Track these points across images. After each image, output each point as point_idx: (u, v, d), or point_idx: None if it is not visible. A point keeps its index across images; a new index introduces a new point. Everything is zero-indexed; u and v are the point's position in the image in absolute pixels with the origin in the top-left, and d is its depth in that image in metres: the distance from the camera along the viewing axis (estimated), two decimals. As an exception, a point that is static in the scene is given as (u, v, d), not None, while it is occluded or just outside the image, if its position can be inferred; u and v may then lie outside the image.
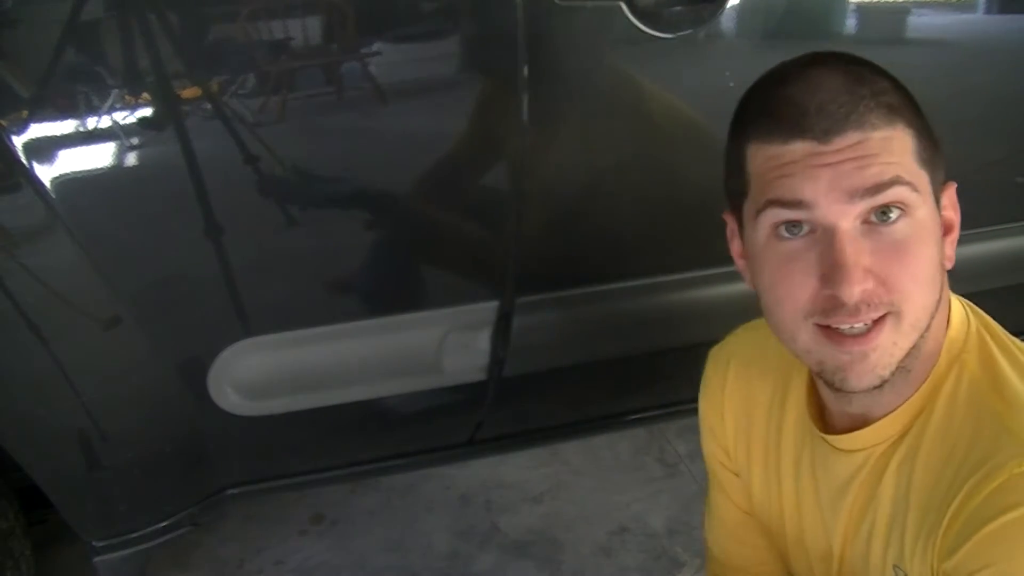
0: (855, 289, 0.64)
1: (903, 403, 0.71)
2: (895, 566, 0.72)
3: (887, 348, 0.66)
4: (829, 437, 0.77)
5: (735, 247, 0.77)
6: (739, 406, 0.89)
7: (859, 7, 1.20)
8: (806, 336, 0.68)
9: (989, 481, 0.62)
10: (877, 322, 0.66)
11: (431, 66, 1.02)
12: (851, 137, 0.64)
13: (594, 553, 1.71)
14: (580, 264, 1.23)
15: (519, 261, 1.15)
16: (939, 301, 0.69)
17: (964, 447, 0.66)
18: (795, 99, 0.65)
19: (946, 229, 0.71)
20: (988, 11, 1.29)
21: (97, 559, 1.21)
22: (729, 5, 1.07)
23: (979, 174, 1.35)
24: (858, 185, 0.63)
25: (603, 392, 1.43)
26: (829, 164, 0.64)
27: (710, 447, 0.96)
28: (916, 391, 0.71)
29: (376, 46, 0.99)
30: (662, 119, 1.15)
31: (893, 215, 0.65)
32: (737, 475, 0.93)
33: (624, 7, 1.02)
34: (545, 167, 1.11)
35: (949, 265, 0.71)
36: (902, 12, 1.25)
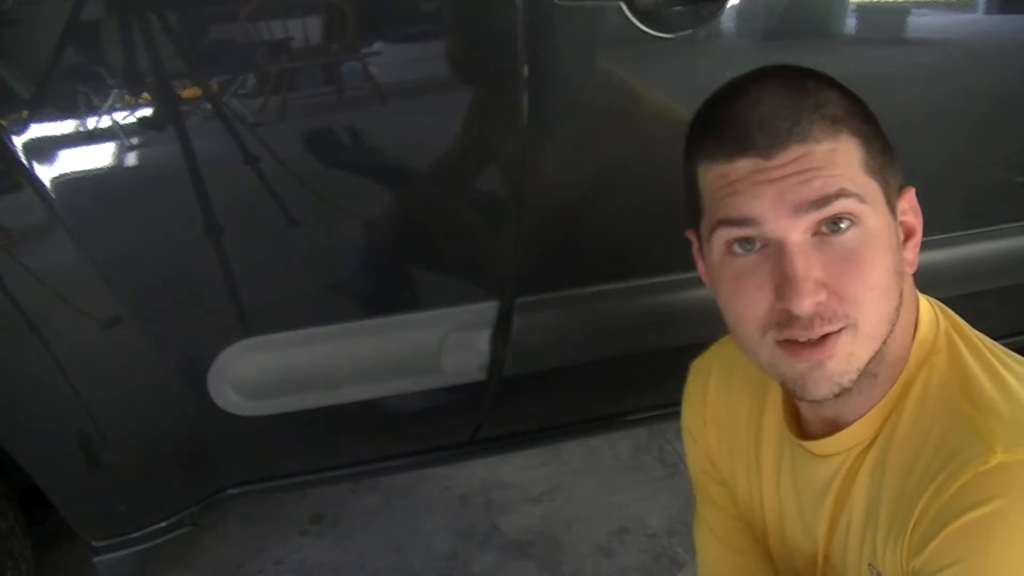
0: (806, 302, 0.64)
1: (873, 406, 0.72)
2: (869, 564, 0.73)
3: (843, 357, 0.66)
4: (805, 443, 0.77)
5: (700, 266, 0.79)
6: (721, 415, 0.91)
7: (859, 7, 1.20)
8: (766, 351, 0.69)
9: (954, 480, 0.63)
10: (833, 333, 0.66)
11: (431, 66, 1.02)
12: (794, 151, 0.64)
13: (594, 553, 1.71)
14: (580, 264, 1.23)
15: (519, 261, 1.15)
16: (898, 307, 0.69)
17: (933, 447, 0.67)
18: (738, 116, 0.66)
19: (907, 234, 0.71)
20: (988, 11, 1.29)
21: (97, 559, 1.21)
22: (729, 5, 1.07)
23: (979, 174, 1.35)
24: (803, 199, 0.64)
25: (603, 392, 1.43)
26: (773, 180, 0.64)
27: (694, 456, 0.97)
28: (886, 394, 0.71)
29: (376, 46, 0.99)
30: (662, 119, 1.15)
31: (843, 225, 0.65)
32: (722, 484, 0.94)
33: (624, 7, 1.02)
34: (545, 167, 1.11)
35: (911, 270, 0.71)
36: (902, 12, 1.25)
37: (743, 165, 0.65)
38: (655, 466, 1.94)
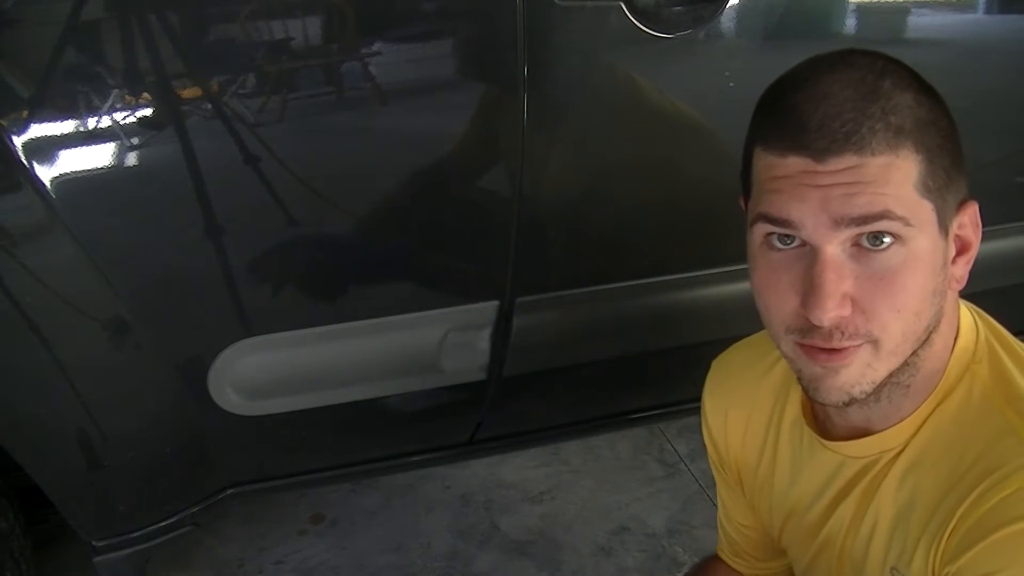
0: (827, 316, 0.63)
1: (907, 415, 0.71)
2: (893, 568, 0.72)
3: (859, 369, 0.66)
4: (830, 443, 0.77)
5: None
6: (742, 411, 0.90)
7: (859, 7, 1.19)
8: (787, 347, 0.69)
9: (1000, 489, 0.62)
10: (853, 346, 0.65)
11: (431, 66, 1.02)
12: (847, 160, 0.61)
13: (594, 553, 1.71)
14: (580, 264, 1.23)
15: (519, 261, 1.15)
16: (931, 325, 0.67)
17: (975, 455, 0.66)
18: (800, 109, 0.63)
19: (960, 249, 0.69)
20: (988, 11, 1.29)
21: (97, 559, 1.21)
22: (729, 5, 1.07)
23: (979, 174, 1.35)
24: (845, 213, 0.62)
25: (603, 392, 1.43)
26: (820, 186, 0.62)
27: (709, 447, 0.96)
28: (922, 403, 0.71)
29: (376, 46, 0.99)
30: (662, 119, 1.15)
31: (886, 241, 0.63)
32: (737, 474, 0.94)
33: (624, 7, 1.02)
34: (545, 167, 1.11)
35: (958, 286, 0.69)
36: (902, 12, 1.25)
37: (793, 163, 0.63)
38: (655, 466, 1.94)
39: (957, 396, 0.70)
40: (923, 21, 1.27)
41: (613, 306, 1.27)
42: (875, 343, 0.65)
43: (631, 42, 1.05)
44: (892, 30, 1.23)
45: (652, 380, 1.44)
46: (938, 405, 0.70)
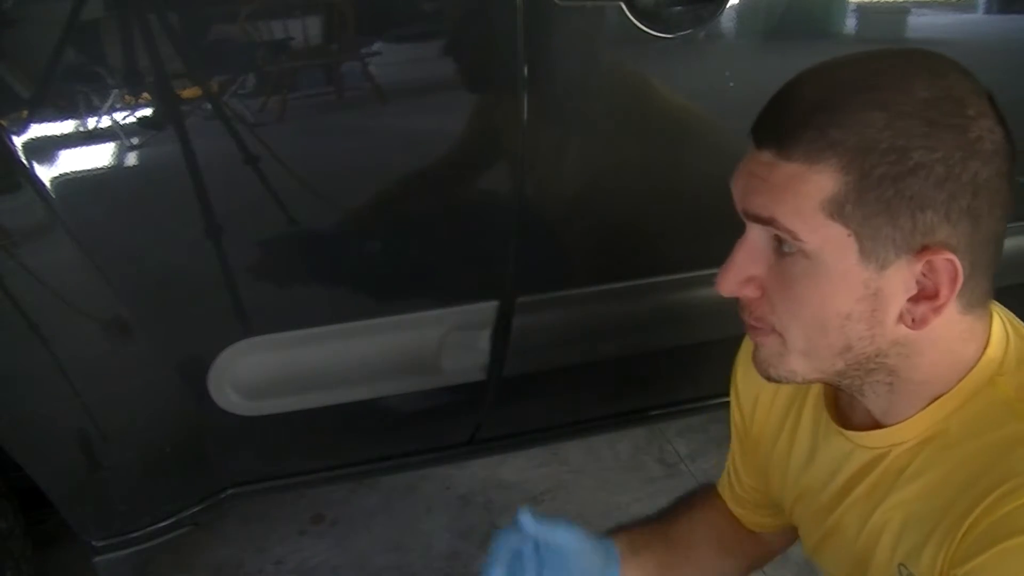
0: (723, 288, 0.66)
1: (913, 415, 0.71)
2: (901, 564, 0.72)
3: (772, 354, 0.68)
4: (848, 433, 0.77)
5: None
6: (767, 388, 0.89)
7: (859, 7, 1.20)
8: None
9: (1014, 498, 0.62)
10: (762, 328, 0.68)
11: (431, 66, 1.02)
12: (765, 156, 0.62)
13: (594, 553, 1.71)
14: (580, 264, 1.23)
15: (519, 261, 1.15)
16: (861, 346, 0.66)
17: (991, 460, 0.66)
18: (776, 97, 0.65)
19: (923, 294, 0.63)
20: (988, 11, 1.29)
21: (97, 559, 1.21)
22: (729, 5, 1.07)
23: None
24: (743, 206, 0.64)
25: (603, 392, 1.43)
26: (746, 172, 0.64)
27: (735, 412, 0.96)
28: (928, 405, 0.70)
29: (376, 46, 0.99)
30: (662, 119, 1.15)
31: (785, 249, 0.63)
32: (756, 444, 0.93)
33: (624, 7, 1.02)
34: (545, 167, 1.11)
35: (917, 327, 0.64)
36: (902, 12, 1.25)
37: (751, 144, 0.65)
38: (655, 466, 1.94)
39: (978, 404, 0.69)
40: (923, 21, 1.27)
41: (613, 306, 1.27)
42: (781, 337, 0.67)
43: (631, 42, 1.06)
44: (892, 30, 1.24)
45: (652, 380, 1.44)
46: (957, 410, 0.70)
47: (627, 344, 1.33)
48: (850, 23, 1.21)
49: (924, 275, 0.63)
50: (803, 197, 0.61)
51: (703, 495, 1.06)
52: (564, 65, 1.06)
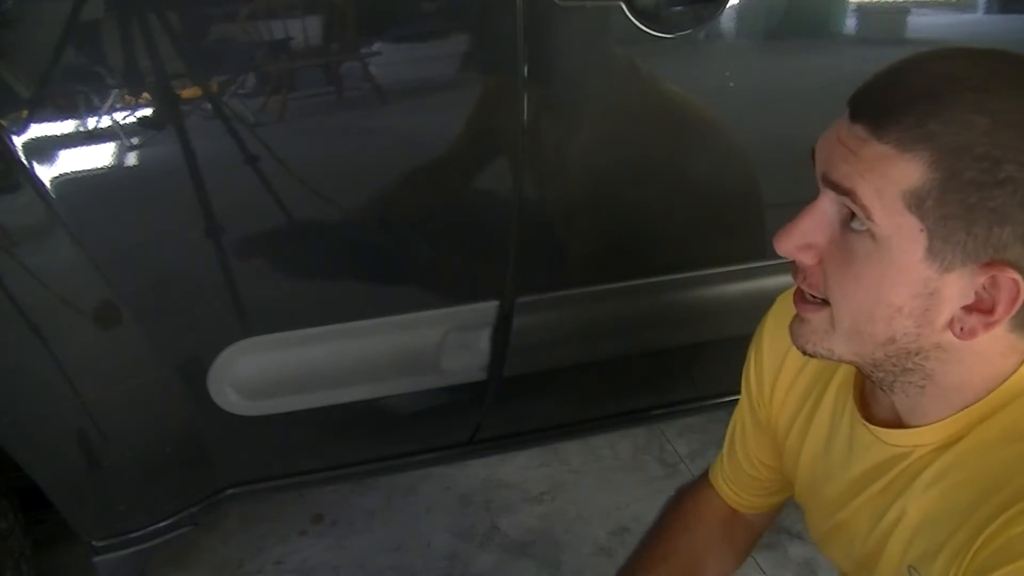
0: (781, 248, 0.66)
1: (938, 420, 0.70)
2: (911, 567, 0.72)
3: (818, 329, 0.68)
4: (872, 428, 0.77)
5: None
6: (799, 358, 0.87)
7: (859, 7, 1.20)
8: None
9: None
10: (814, 300, 0.68)
11: (431, 66, 1.02)
12: (860, 131, 0.61)
13: (594, 553, 1.71)
14: (580, 264, 1.23)
15: (519, 261, 1.15)
16: (904, 342, 0.65)
17: (1014, 475, 0.65)
18: (883, 74, 0.63)
19: (978, 306, 0.63)
20: (988, 11, 1.29)
21: (97, 559, 1.21)
22: (729, 5, 1.07)
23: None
24: (828, 171, 0.63)
25: (603, 392, 1.43)
26: (835, 139, 0.63)
27: (753, 385, 0.94)
28: (956, 412, 0.70)
29: (376, 46, 0.99)
30: (662, 118, 1.15)
31: (855, 226, 0.63)
32: (770, 420, 0.93)
33: (624, 7, 1.02)
34: (545, 167, 1.11)
35: (963, 337, 0.64)
36: (902, 12, 1.25)
37: (843, 118, 0.64)
38: (655, 466, 1.94)
39: (1007, 416, 0.68)
40: (923, 21, 1.27)
41: (613, 306, 1.27)
42: (831, 313, 0.66)
43: (631, 42, 1.06)
44: (892, 30, 1.24)
45: (652, 380, 1.44)
46: (984, 420, 0.69)
47: (627, 344, 1.33)
48: (850, 23, 1.21)
49: (985, 288, 0.62)
50: (888, 180, 0.60)
51: (691, 498, 1.05)
52: (564, 65, 1.06)
